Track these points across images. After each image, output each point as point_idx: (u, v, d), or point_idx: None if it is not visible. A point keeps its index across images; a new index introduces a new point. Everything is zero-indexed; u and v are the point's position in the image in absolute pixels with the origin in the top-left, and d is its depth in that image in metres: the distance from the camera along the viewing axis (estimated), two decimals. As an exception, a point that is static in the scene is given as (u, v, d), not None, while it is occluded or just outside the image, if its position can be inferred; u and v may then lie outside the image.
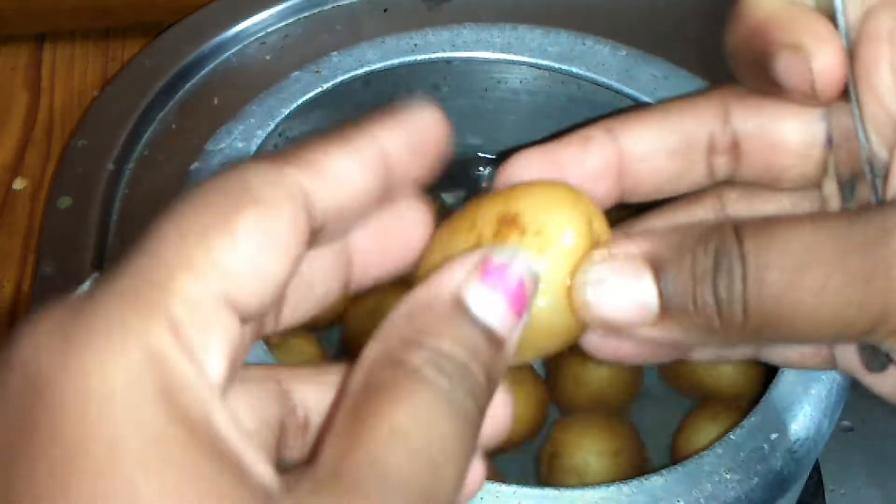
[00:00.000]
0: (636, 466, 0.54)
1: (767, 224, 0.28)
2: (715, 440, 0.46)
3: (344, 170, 0.25)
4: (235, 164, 0.25)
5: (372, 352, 0.25)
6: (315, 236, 0.25)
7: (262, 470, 0.22)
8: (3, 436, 0.21)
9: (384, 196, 0.27)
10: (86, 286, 0.24)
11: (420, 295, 0.26)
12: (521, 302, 0.26)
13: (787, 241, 0.28)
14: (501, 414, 0.28)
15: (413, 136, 0.27)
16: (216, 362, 0.22)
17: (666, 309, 0.29)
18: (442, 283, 0.26)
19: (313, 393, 0.28)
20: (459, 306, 0.25)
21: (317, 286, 0.28)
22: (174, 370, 0.21)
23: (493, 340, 0.25)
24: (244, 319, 0.23)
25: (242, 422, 0.24)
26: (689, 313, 0.28)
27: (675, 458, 0.55)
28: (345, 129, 0.26)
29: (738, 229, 0.28)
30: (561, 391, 0.58)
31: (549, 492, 0.44)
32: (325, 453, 0.23)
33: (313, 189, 0.24)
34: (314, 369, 0.29)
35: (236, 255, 0.23)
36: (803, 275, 0.27)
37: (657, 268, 0.29)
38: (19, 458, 0.21)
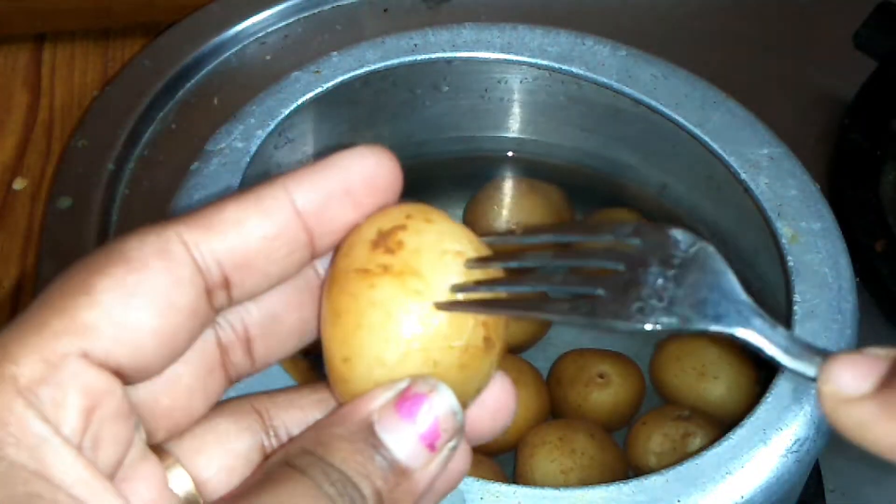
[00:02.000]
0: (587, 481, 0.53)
1: None
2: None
3: (235, 217, 0.26)
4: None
5: (276, 455, 0.26)
6: (223, 285, 0.25)
7: None
8: None
9: (313, 239, 0.27)
10: None
11: (335, 413, 0.26)
12: (434, 436, 0.26)
13: None
14: (504, 402, 0.28)
15: (337, 183, 0.26)
16: (69, 416, 0.23)
17: None
18: (358, 405, 0.26)
19: (293, 417, 0.28)
20: (367, 429, 0.25)
21: (287, 323, 0.28)
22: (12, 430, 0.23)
23: (399, 469, 0.25)
24: (120, 370, 0.24)
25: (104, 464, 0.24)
26: None
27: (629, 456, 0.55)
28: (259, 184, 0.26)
29: None
30: (562, 414, 0.59)
31: (548, 492, 0.44)
32: None
33: (200, 240, 0.25)
34: (293, 392, 0.29)
35: (94, 313, 0.24)
36: None
37: None
38: None
